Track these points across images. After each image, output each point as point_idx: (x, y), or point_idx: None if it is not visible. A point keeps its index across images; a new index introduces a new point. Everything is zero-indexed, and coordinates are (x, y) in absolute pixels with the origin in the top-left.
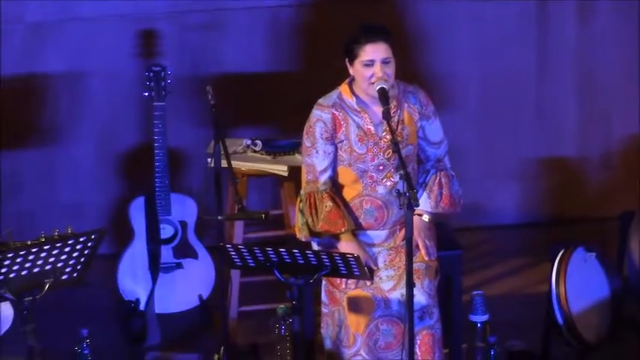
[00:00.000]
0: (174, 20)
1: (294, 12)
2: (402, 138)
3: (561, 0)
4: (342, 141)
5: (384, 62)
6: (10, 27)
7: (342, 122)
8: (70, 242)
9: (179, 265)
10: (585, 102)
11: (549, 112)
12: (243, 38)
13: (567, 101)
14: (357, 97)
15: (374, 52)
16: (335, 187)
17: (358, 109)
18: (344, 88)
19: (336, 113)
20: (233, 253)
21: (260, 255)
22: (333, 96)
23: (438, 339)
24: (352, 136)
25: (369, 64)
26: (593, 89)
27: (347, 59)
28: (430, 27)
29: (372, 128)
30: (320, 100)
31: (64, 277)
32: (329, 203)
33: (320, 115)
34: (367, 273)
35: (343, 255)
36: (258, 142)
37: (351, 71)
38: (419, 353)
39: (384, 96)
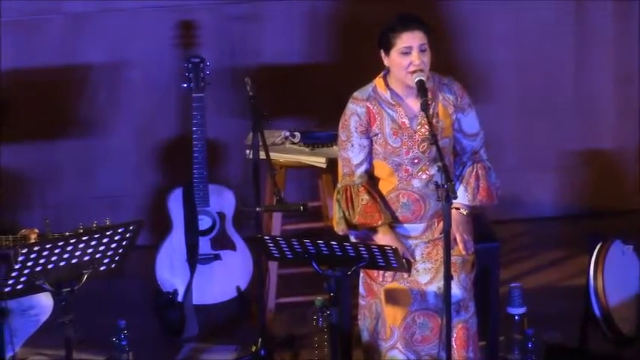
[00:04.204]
0: (213, 11)
1: (333, 4)
2: (437, 131)
3: None
4: (376, 134)
5: (421, 50)
6: (48, 17)
7: (376, 116)
8: (108, 233)
9: (217, 257)
10: (623, 94)
11: (587, 104)
12: (282, 30)
13: (605, 93)
14: (391, 90)
15: (411, 39)
16: (372, 181)
17: (393, 103)
18: (378, 81)
19: (371, 107)
20: (271, 244)
21: (298, 247)
22: (368, 89)
23: (474, 333)
24: (387, 129)
25: (407, 51)
26: (631, 80)
27: (382, 50)
28: (468, 17)
29: (406, 122)
30: (355, 94)
31: (102, 268)
32: (365, 197)
33: (355, 109)
34: (405, 265)
35: (381, 247)
36: (297, 133)
37: (386, 62)
38: (454, 346)
39: (422, 88)
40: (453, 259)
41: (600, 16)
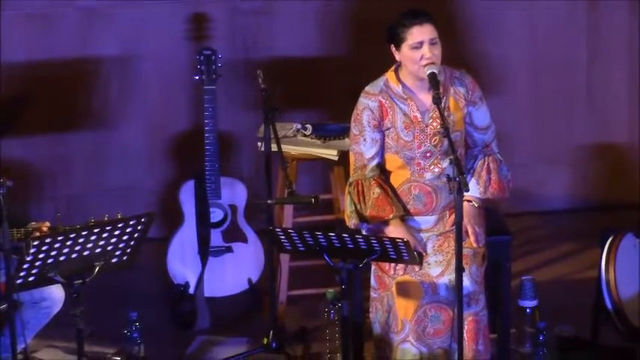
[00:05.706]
0: (225, 4)
1: None
2: (449, 124)
3: None
4: (388, 128)
5: (432, 43)
6: (62, 11)
7: (388, 110)
8: (119, 226)
9: (229, 249)
10: (635, 88)
11: (600, 98)
12: (294, 23)
13: (618, 87)
14: (403, 84)
15: (421, 33)
16: (383, 174)
17: (404, 97)
18: (390, 75)
19: (383, 101)
20: (283, 237)
21: (310, 239)
22: (379, 83)
23: (484, 326)
24: (398, 123)
25: (418, 46)
26: None
27: (392, 45)
28: (481, 12)
29: (418, 115)
30: (367, 88)
31: (113, 260)
32: (376, 190)
33: (367, 103)
34: (416, 258)
35: (393, 240)
36: (309, 126)
37: (397, 57)
38: (465, 339)
39: (434, 81)
40: (465, 251)
41: (614, 12)
